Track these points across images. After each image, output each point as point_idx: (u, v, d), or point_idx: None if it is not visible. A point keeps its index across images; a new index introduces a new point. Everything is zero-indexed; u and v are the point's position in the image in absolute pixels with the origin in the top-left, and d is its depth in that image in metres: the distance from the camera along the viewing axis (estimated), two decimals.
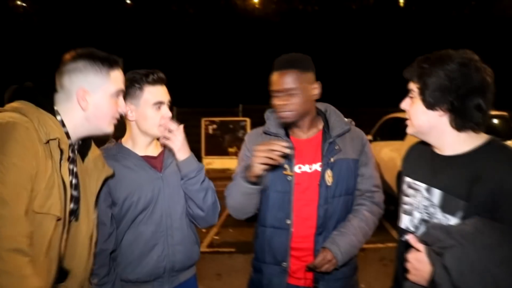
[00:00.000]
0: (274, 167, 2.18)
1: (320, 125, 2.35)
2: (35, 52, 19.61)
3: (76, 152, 1.84)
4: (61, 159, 1.68)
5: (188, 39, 22.83)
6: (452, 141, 1.68)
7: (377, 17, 22.71)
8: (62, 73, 1.78)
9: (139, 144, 2.21)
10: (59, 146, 1.67)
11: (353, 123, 2.41)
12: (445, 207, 1.64)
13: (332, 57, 21.55)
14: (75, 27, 21.37)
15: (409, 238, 1.56)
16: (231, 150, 11.98)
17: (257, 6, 23.89)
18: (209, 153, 12.31)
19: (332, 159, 2.24)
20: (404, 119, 1.85)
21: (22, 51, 19.95)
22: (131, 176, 2.13)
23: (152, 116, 2.13)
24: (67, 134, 1.76)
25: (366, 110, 14.58)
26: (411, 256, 1.55)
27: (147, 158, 2.20)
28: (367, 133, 10.63)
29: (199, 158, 12.30)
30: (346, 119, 2.38)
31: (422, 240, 1.51)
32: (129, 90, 2.09)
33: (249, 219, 2.40)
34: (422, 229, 1.72)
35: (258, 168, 2.08)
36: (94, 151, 1.97)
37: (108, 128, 1.85)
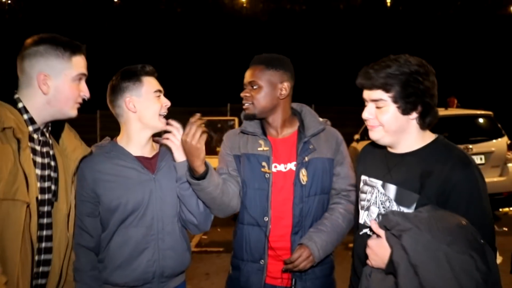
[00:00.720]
0: (254, 169, 2.25)
1: (296, 126, 2.36)
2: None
3: (48, 135, 1.86)
4: (19, 148, 1.68)
5: (176, 38, 22.75)
6: (413, 140, 1.79)
7: (365, 17, 22.84)
8: (23, 58, 1.78)
9: (135, 142, 2.17)
10: (14, 135, 1.67)
11: (329, 123, 2.42)
12: (400, 200, 1.74)
13: (320, 57, 21.61)
14: (63, 25, 21.17)
15: (371, 223, 1.64)
16: (219, 149, 11.94)
17: (245, 5, 23.89)
18: None
19: (306, 158, 2.25)
20: None
21: (9, 48, 19.74)
22: (122, 176, 2.09)
23: (154, 104, 2.14)
24: (31, 119, 1.77)
25: (354, 109, 14.64)
26: (371, 242, 1.63)
27: (141, 159, 2.17)
28: (355, 132, 10.56)
29: None
30: (321, 119, 2.39)
31: (382, 225, 1.59)
32: (128, 84, 2.11)
33: (236, 218, 2.40)
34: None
35: (201, 145, 2.06)
36: (68, 132, 1.98)
37: (71, 111, 1.86)
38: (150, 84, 2.15)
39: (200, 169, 2.07)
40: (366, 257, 1.68)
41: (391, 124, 1.75)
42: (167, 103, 2.19)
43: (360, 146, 8.86)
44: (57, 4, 21.91)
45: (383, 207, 1.81)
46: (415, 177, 1.71)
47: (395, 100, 1.71)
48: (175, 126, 2.13)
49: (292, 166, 2.27)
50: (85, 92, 1.89)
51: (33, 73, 1.77)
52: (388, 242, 1.54)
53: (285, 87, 2.27)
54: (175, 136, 2.11)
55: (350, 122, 12.64)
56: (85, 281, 2.02)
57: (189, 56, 22.21)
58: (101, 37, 22.03)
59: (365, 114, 1.82)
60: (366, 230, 1.89)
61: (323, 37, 22.28)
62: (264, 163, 2.26)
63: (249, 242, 2.31)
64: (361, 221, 1.94)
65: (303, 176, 2.24)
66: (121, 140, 2.19)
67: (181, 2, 22.99)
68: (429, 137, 1.79)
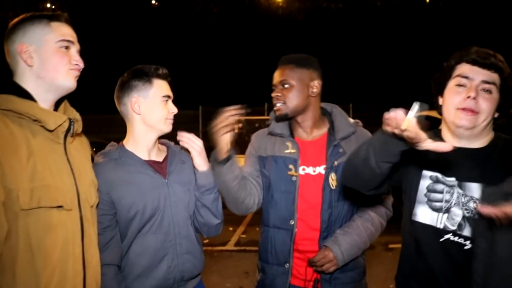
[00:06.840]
0: (279, 169, 2.23)
1: (326, 127, 2.33)
2: None
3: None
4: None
5: (212, 38, 22.92)
6: (488, 136, 1.70)
7: (403, 14, 22.40)
8: (6, 41, 1.67)
9: (142, 146, 2.13)
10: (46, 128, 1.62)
11: (360, 124, 2.38)
12: (488, 199, 1.58)
13: (357, 55, 21.35)
14: (101, 27, 21.67)
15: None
16: None
17: (281, 4, 23.83)
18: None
19: (336, 162, 2.21)
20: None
21: None
22: (136, 182, 2.05)
23: (160, 109, 2.10)
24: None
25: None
26: None
27: (151, 163, 2.13)
28: None
29: None
30: (352, 120, 2.36)
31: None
32: (137, 83, 2.07)
33: None
34: (467, 227, 1.65)
35: (224, 142, 2.08)
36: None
37: (66, 81, 1.69)
38: (159, 87, 2.10)
39: (219, 156, 2.09)
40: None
41: (489, 113, 1.63)
42: (174, 110, 2.14)
43: None
44: (98, 7, 22.41)
45: (466, 210, 1.64)
46: (498, 172, 1.58)
47: (501, 90, 1.62)
48: (186, 137, 2.10)
49: (321, 169, 2.24)
50: (77, 60, 1.70)
51: (15, 48, 1.63)
52: None
53: (316, 85, 2.26)
54: (194, 141, 2.09)
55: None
56: None
57: (226, 56, 22.35)
58: (139, 38, 22.41)
59: (472, 93, 1.61)
60: (449, 236, 1.69)
61: (361, 35, 21.98)
62: (291, 166, 2.24)
63: (274, 245, 2.29)
64: (439, 225, 1.73)
65: (333, 180, 2.21)
66: (127, 143, 2.15)
67: (218, 2, 23.14)
68: (491, 132, 1.72)
